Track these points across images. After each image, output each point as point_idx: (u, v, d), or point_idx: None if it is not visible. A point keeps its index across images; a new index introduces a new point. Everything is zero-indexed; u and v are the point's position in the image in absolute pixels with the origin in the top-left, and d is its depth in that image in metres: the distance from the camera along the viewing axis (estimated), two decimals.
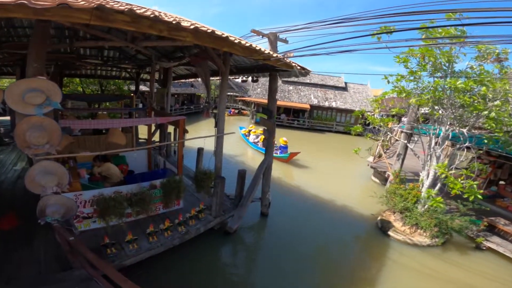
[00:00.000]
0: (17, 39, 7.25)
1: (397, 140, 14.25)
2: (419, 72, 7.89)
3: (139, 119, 5.69)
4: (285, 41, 8.04)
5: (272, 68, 7.07)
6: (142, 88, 18.56)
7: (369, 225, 8.50)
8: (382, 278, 6.00)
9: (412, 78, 8.06)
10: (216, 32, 4.03)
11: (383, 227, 8.01)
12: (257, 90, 28.31)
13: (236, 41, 4.37)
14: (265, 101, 24.48)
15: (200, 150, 9.21)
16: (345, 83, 29.78)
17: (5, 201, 6.43)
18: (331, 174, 13.90)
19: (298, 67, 6.21)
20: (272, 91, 7.48)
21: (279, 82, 28.80)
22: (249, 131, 18.02)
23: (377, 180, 12.25)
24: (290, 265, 6.15)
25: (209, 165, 6.95)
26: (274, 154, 14.49)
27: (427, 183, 8.08)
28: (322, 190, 10.79)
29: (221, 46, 4.45)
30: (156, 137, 13.45)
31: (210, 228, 6.55)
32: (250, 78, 8.68)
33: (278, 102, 26.18)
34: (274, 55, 5.39)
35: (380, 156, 12.83)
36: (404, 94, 7.95)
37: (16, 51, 5.97)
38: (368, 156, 13.08)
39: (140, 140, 11.85)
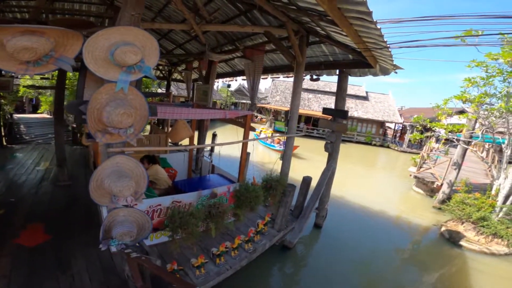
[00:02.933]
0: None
1: (432, 149, 12.99)
2: (497, 76, 6.83)
3: (213, 111, 4.41)
4: None
5: (345, 65, 5.92)
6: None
7: (433, 235, 7.57)
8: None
9: (483, 83, 7.11)
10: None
11: (452, 238, 7.08)
12: (276, 97, 26.71)
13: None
14: (285, 108, 23.33)
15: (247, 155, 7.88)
16: (366, 92, 28.17)
17: (27, 208, 4.99)
18: (367, 184, 12.57)
19: (391, 62, 4.88)
20: (342, 90, 6.25)
21: None
22: (261, 131, 19.55)
23: (420, 191, 10.89)
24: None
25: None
26: (279, 148, 15.96)
27: (504, 191, 7.16)
28: (366, 200, 9.48)
29: (345, 24, 3.18)
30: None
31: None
32: (307, 77, 7.44)
33: (299, 111, 25.18)
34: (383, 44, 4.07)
35: (421, 167, 11.51)
36: (487, 98, 6.85)
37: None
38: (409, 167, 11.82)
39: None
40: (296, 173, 8.18)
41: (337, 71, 6.36)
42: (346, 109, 6.49)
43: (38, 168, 7.58)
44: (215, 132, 10.54)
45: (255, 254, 4.63)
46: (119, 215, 2.34)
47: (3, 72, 9.08)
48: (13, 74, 12.27)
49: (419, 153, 19.84)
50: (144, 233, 2.53)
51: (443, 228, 7.52)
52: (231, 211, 3.76)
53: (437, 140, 15.99)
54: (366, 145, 23.06)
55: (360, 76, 6.11)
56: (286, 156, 5.30)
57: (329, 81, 28.70)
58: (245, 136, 4.93)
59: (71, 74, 11.95)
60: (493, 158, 11.23)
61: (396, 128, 25.64)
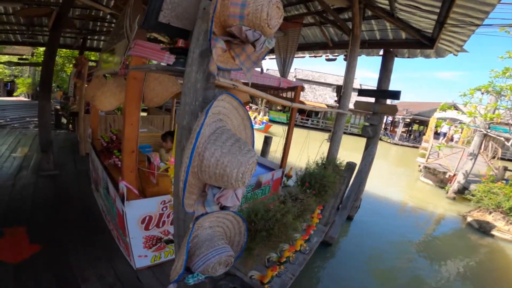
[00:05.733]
0: None
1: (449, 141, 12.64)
2: None
3: (268, 75, 3.30)
4: None
5: (395, 44, 5.11)
6: None
7: (457, 225, 7.16)
8: None
9: None
10: None
11: (482, 227, 6.68)
12: None
13: None
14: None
15: (267, 139, 6.79)
16: (360, 85, 26.77)
17: (3, 206, 3.51)
18: (376, 174, 12.04)
19: (462, 44, 4.10)
20: (387, 71, 5.38)
21: (294, 79, 26.63)
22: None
23: (429, 182, 10.38)
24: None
25: None
26: (258, 127, 17.76)
27: None
28: (381, 190, 8.80)
29: None
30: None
31: None
32: (323, 57, 6.58)
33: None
34: None
35: (428, 158, 11.03)
36: None
37: None
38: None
39: None
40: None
41: (381, 51, 5.53)
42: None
43: (14, 154, 5.98)
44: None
45: (309, 254, 3.66)
46: (204, 226, 1.19)
47: None
48: None
49: (411, 146, 19.87)
50: (235, 250, 1.39)
51: (469, 218, 7.08)
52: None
53: (436, 133, 15.79)
54: (359, 136, 22.27)
55: (408, 57, 5.45)
56: (336, 137, 4.28)
57: (324, 73, 28.05)
58: (293, 111, 3.85)
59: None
60: (495, 151, 10.98)
61: (386, 121, 25.45)
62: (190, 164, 0.88)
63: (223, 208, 1.24)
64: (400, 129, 21.75)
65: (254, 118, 19.22)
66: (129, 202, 2.22)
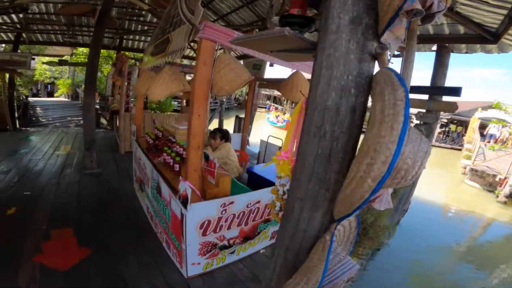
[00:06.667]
0: None
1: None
2: None
3: None
4: None
5: (452, 39, 4.52)
6: None
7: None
8: None
9: None
10: None
11: None
12: None
13: None
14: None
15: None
16: None
17: (48, 205, 3.41)
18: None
19: None
20: (443, 66, 4.89)
21: None
22: (277, 115, 21.96)
23: (475, 185, 9.52)
24: None
25: None
26: (281, 125, 19.07)
27: None
28: (426, 193, 8.24)
29: None
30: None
31: None
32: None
33: None
34: None
35: (474, 160, 10.12)
36: None
37: None
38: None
39: None
40: None
41: (433, 46, 5.02)
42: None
43: (58, 152, 6.08)
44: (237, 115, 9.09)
45: (366, 259, 3.32)
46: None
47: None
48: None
49: (449, 148, 18.37)
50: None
51: None
52: None
53: (482, 134, 14.57)
54: None
55: (466, 52, 4.85)
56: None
57: None
58: None
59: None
60: None
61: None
62: (398, 153, 0.61)
63: None
64: (436, 130, 20.29)
65: (277, 117, 20.80)
66: (191, 205, 2.00)
